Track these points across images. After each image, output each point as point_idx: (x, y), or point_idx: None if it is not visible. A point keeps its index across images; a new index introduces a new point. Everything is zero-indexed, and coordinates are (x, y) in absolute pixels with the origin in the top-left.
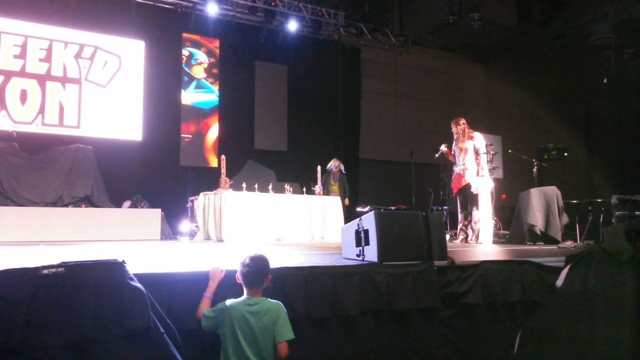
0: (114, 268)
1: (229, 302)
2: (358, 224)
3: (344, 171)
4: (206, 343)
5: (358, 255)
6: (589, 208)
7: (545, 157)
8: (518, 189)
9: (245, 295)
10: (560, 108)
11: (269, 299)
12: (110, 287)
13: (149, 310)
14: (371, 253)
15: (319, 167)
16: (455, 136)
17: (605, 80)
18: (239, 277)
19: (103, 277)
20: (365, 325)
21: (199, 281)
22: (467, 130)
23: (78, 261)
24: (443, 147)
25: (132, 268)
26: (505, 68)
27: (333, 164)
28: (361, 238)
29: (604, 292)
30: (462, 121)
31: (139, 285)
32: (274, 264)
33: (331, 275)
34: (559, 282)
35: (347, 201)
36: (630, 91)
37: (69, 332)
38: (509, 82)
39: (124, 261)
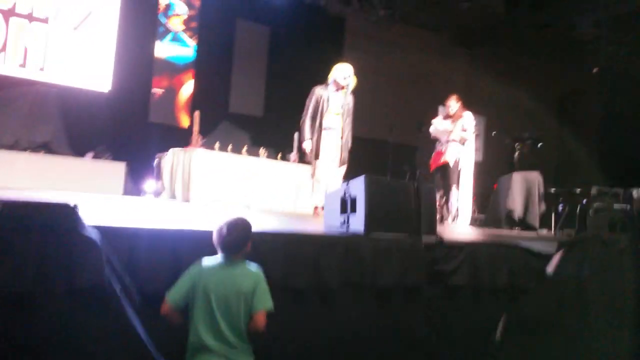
0: (64, 212)
1: (203, 262)
2: (344, 190)
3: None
4: None
5: (342, 224)
6: (560, 199)
7: (520, 146)
8: (496, 173)
9: (220, 257)
10: (542, 97)
11: (248, 262)
12: (58, 235)
13: (103, 265)
14: (357, 222)
15: (295, 135)
16: (446, 112)
17: (595, 70)
18: (214, 241)
19: (50, 221)
20: (344, 299)
21: (164, 240)
22: (461, 108)
23: (21, 200)
24: (438, 123)
25: (88, 219)
26: (490, 54)
27: (338, 73)
28: (347, 205)
29: (599, 282)
30: (456, 97)
31: (93, 235)
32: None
33: (313, 244)
34: (550, 268)
35: (346, 157)
36: (616, 84)
37: (4, 282)
38: (492, 68)
39: (76, 206)
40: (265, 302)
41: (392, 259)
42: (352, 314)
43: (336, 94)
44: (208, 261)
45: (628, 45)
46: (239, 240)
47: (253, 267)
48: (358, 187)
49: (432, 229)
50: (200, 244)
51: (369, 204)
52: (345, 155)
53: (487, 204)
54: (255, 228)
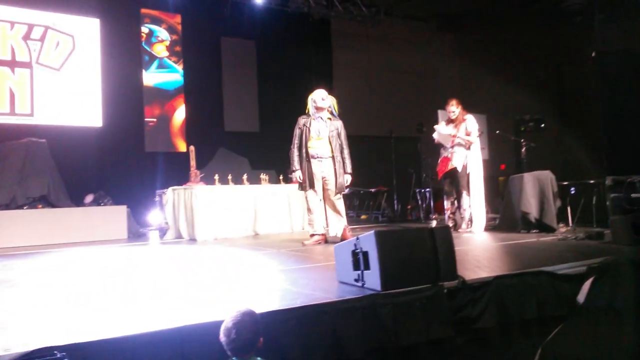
0: None
1: None
2: (355, 244)
3: (335, 113)
4: None
5: (356, 280)
6: (572, 190)
7: (522, 129)
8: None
9: None
10: (536, 78)
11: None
12: None
13: None
14: (372, 279)
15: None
16: (447, 117)
17: (593, 54)
18: (223, 343)
19: None
20: None
21: (168, 345)
22: (462, 112)
23: None
24: (441, 128)
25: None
26: (478, 37)
27: (314, 97)
28: (359, 261)
29: (636, 310)
30: (456, 101)
31: None
32: (254, 299)
33: (330, 313)
34: (581, 297)
35: (349, 180)
36: (614, 62)
37: None
38: (481, 51)
39: (64, 355)
40: None
41: (415, 315)
42: None
43: (316, 121)
44: None
45: (618, 14)
46: (248, 341)
47: None
48: (369, 242)
49: (453, 273)
50: (208, 339)
51: (382, 262)
52: (342, 181)
53: (499, 201)
54: (265, 306)
